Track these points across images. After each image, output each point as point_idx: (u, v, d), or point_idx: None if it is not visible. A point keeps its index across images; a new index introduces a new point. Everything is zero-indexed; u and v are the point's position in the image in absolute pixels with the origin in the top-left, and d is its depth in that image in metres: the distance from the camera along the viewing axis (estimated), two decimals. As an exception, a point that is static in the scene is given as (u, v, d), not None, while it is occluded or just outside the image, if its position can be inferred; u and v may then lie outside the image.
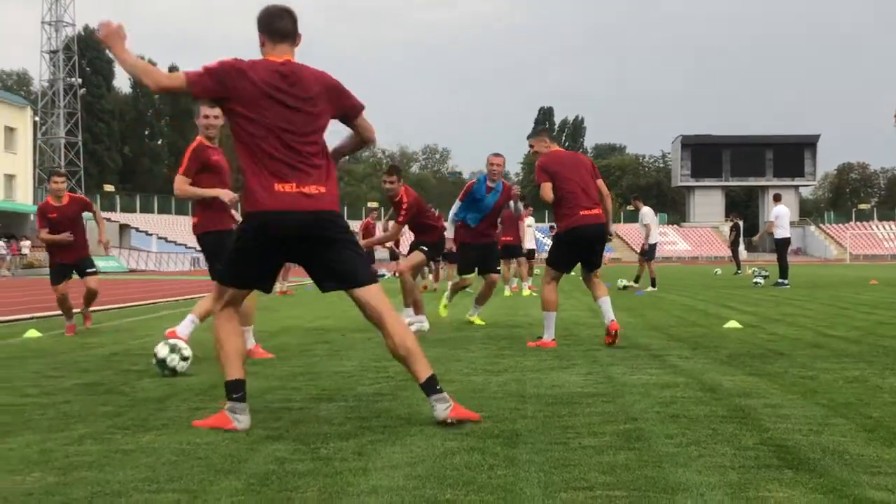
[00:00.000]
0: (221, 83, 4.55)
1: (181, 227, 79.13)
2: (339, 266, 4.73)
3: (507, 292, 18.27)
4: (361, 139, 5.07)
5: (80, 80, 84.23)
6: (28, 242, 50.38)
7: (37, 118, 76.04)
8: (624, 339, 8.99)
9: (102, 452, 4.09)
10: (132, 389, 6.05)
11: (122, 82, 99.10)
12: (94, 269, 11.05)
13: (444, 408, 4.60)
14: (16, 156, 67.75)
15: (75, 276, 11.02)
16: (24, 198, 67.30)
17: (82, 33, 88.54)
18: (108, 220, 68.07)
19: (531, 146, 8.82)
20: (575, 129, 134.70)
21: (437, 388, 4.69)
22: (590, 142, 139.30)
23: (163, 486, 3.50)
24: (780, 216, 21.79)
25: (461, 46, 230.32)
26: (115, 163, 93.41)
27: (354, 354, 7.91)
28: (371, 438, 4.32)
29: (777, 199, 23.18)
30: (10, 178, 66.77)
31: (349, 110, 4.92)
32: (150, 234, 70.10)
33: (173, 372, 6.63)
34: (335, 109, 4.84)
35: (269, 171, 4.56)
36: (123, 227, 61.75)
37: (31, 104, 75.50)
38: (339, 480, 3.54)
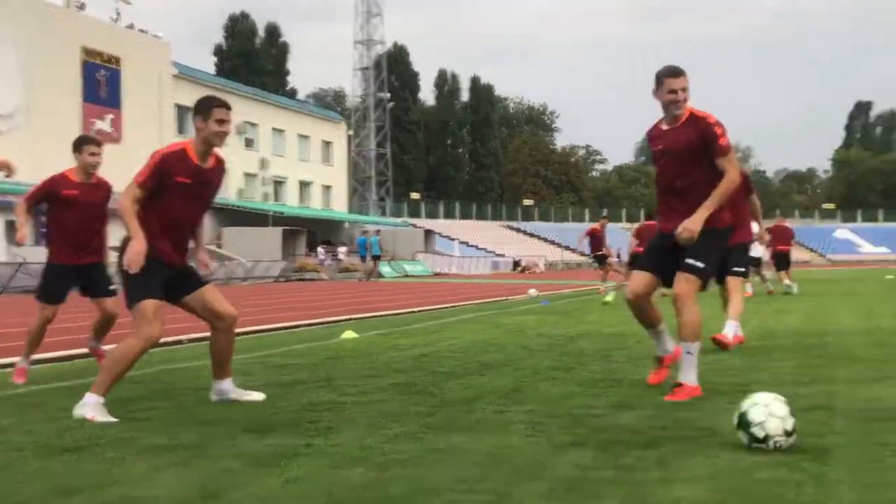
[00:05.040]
0: None
1: (482, 232, 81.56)
2: None
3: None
4: None
5: (388, 95, 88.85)
6: (344, 248, 53.70)
7: (350, 132, 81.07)
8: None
9: (416, 451, 4.36)
10: (441, 391, 6.36)
11: (426, 94, 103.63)
12: (113, 288, 7.52)
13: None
14: (332, 167, 72.61)
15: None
16: (340, 206, 72.05)
17: (392, 50, 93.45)
18: (414, 226, 71.45)
19: None
20: (890, 123, 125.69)
21: None
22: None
23: (473, 486, 3.69)
24: None
25: (767, 40, 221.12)
26: (420, 172, 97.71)
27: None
28: (672, 448, 4.31)
29: None
30: (326, 188, 71.63)
31: None
32: (453, 239, 72.68)
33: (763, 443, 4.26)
34: None
35: None
36: (428, 233, 64.34)
37: (345, 119, 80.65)
38: (641, 490, 3.57)
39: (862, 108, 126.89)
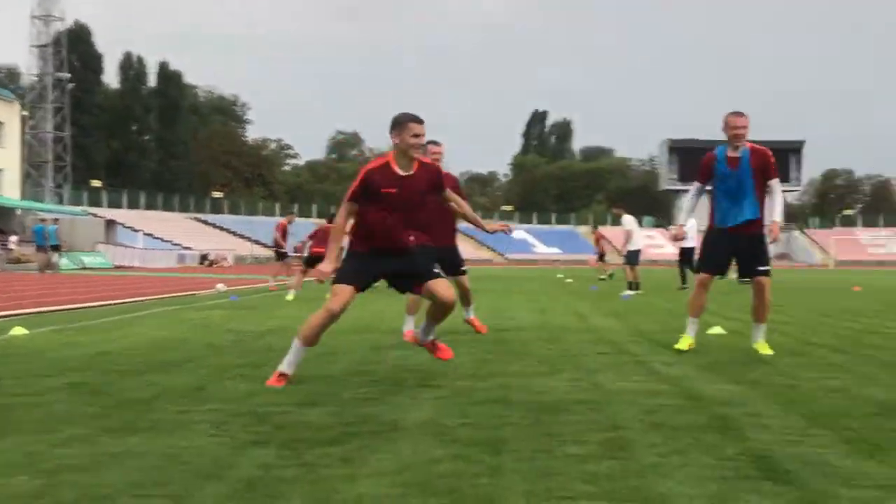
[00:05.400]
0: None
1: (168, 224, 78.96)
2: None
3: None
4: None
5: (69, 75, 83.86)
6: (16, 237, 50.08)
7: (25, 112, 75.71)
8: (610, 344, 9.06)
9: (89, 455, 4.12)
10: (118, 390, 6.05)
11: (110, 77, 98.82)
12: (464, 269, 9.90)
13: None
14: (4, 150, 67.45)
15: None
16: (12, 192, 66.96)
17: (73, 27, 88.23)
18: (95, 215, 67.98)
19: None
20: (563, 132, 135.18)
21: None
22: (578, 144, 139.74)
23: (150, 490, 3.53)
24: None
25: (449, 48, 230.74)
26: (102, 158, 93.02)
27: (342, 357, 7.94)
28: (357, 444, 4.36)
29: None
30: (-3, 172, 66.54)
31: None
32: (137, 231, 69.86)
33: None
34: None
35: None
36: (110, 223, 61.45)
37: (19, 99, 75.18)
38: (324, 487, 3.57)
39: (537, 117, 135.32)
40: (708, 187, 8.49)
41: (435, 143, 9.74)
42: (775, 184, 8.27)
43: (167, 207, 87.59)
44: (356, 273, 6.49)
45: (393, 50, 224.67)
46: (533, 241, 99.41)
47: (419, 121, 6.35)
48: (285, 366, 6.45)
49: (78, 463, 3.96)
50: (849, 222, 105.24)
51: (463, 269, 9.92)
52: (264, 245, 68.54)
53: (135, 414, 5.17)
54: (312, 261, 18.73)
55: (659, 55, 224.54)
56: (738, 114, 8.22)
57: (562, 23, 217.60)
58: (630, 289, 20.16)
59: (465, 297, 10.25)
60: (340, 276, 6.53)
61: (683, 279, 22.25)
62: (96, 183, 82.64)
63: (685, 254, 22.38)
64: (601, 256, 33.36)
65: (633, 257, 20.94)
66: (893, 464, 3.99)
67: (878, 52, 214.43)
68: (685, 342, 8.47)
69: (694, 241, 21.47)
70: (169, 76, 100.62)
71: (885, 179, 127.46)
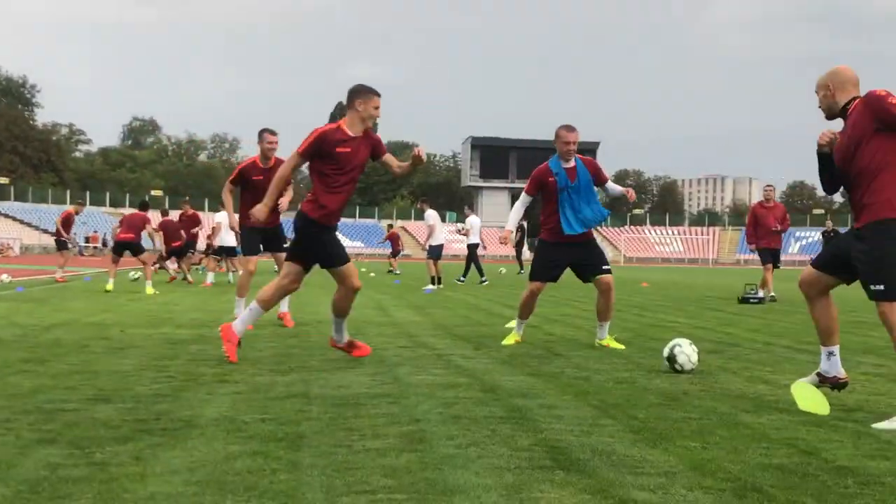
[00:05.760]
0: None
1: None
2: None
3: None
4: None
5: None
6: None
7: None
8: (410, 338, 9.15)
9: None
10: None
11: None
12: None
13: None
14: None
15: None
16: None
17: None
18: None
19: None
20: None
21: None
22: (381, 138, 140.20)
23: (-80, 495, 3.30)
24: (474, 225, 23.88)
25: (254, 30, 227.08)
26: None
27: (134, 352, 7.67)
28: (150, 442, 4.22)
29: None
30: None
31: None
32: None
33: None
34: None
35: None
36: None
37: None
38: (114, 487, 3.44)
39: (341, 110, 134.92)
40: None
41: (271, 132, 9.93)
42: (611, 184, 8.83)
43: None
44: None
45: (192, 33, 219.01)
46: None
47: (380, 95, 7.22)
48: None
49: None
50: (638, 221, 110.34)
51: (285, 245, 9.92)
52: (52, 234, 65.38)
53: None
54: (120, 247, 18.07)
55: (462, 53, 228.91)
56: (570, 128, 8.57)
57: (373, 17, 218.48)
58: (432, 283, 20.47)
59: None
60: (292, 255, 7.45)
61: (478, 272, 23.50)
62: None
63: (472, 249, 23.87)
64: (395, 254, 34.60)
65: (435, 251, 21.27)
66: (676, 452, 4.21)
67: (665, 64, 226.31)
68: (512, 338, 8.79)
69: (478, 237, 23.72)
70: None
71: (672, 181, 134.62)
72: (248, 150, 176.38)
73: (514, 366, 7.18)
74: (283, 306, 10.48)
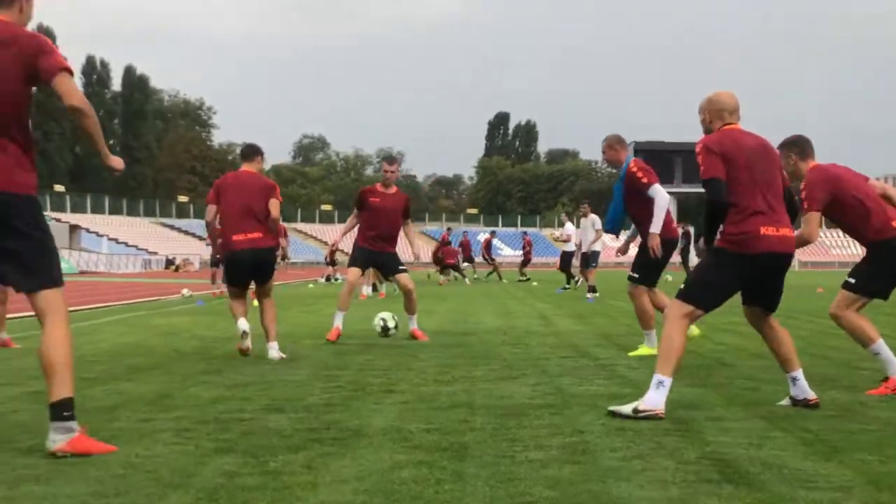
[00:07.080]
0: None
1: (133, 229, 78.29)
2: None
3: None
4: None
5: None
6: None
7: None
8: (573, 348, 9.12)
9: (51, 465, 4.09)
10: (82, 398, 5.99)
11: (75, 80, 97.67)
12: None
13: (58, 438, 4.26)
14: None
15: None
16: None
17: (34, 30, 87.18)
18: (58, 220, 67.30)
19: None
20: (528, 134, 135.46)
21: (65, 414, 4.32)
22: (542, 147, 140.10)
23: (111, 500, 3.52)
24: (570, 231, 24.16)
25: (415, 49, 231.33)
26: (66, 163, 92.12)
27: (306, 363, 7.93)
28: (320, 451, 4.36)
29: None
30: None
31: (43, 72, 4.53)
32: (102, 236, 69.28)
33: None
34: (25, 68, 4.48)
35: None
36: (74, 228, 60.94)
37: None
38: (287, 495, 3.58)
39: (500, 119, 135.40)
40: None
41: (389, 160, 10.13)
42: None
43: (132, 212, 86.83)
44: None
45: (350, 47, 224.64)
46: (499, 244, 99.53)
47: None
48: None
49: (39, 473, 3.93)
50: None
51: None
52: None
53: (98, 422, 5.13)
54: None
55: (623, 58, 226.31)
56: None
57: (523, 23, 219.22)
58: (591, 291, 20.09)
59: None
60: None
61: (566, 279, 23.96)
62: (59, 188, 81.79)
63: (568, 257, 24.01)
64: (526, 262, 35.01)
65: (594, 258, 20.91)
66: (852, 465, 4.05)
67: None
68: (646, 350, 8.55)
69: (573, 245, 23.68)
70: (133, 80, 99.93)
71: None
72: (411, 164, 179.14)
73: (681, 376, 7.02)
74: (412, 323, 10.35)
